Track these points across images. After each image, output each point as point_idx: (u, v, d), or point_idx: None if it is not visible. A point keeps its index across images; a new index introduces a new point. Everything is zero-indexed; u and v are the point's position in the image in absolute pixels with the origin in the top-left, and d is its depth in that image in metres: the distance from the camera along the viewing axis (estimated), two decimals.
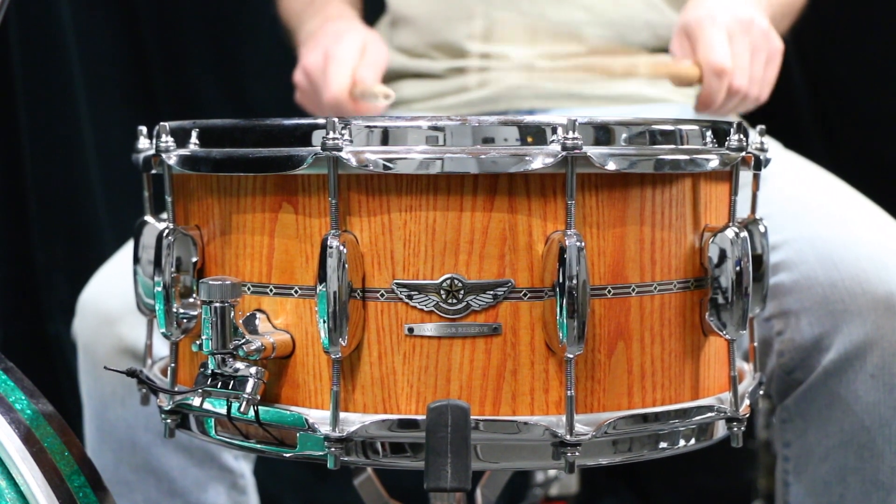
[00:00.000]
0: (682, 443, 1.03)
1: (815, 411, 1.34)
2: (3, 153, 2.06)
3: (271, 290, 1.01)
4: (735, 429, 1.04)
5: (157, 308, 1.04)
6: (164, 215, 1.08)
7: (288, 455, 1.00)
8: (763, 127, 1.10)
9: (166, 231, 1.04)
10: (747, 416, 1.05)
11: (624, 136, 0.98)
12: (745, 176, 1.08)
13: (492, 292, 0.97)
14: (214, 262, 1.05)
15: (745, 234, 1.02)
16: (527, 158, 0.94)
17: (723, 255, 1.01)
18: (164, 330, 1.04)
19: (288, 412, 0.99)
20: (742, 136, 1.03)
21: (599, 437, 0.97)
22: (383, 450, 0.98)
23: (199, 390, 1.00)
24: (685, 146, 1.01)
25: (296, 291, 1.00)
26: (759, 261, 1.10)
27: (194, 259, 1.05)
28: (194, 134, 1.03)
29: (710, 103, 1.35)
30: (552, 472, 1.85)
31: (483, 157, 0.94)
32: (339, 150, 0.95)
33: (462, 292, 0.96)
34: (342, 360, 0.97)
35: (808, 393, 1.34)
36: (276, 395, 1.01)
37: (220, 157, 1.01)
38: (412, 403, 0.97)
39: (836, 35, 2.15)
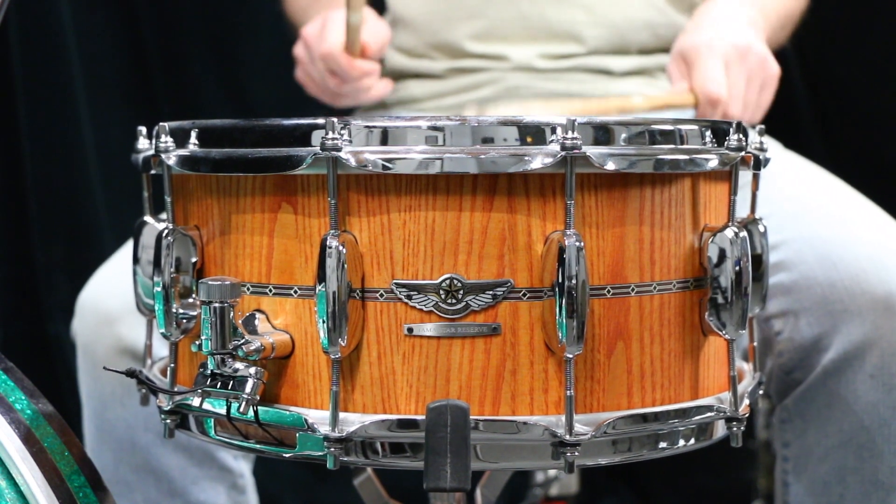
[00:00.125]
0: (681, 443, 1.03)
1: (814, 411, 1.34)
2: (3, 153, 2.06)
3: (271, 291, 1.01)
4: (735, 429, 1.04)
5: (156, 308, 1.04)
6: (164, 215, 1.08)
7: (287, 455, 1.00)
8: (763, 127, 1.11)
9: (166, 231, 1.04)
10: (747, 415, 1.05)
11: (623, 135, 0.98)
12: (745, 176, 1.08)
13: (491, 292, 0.97)
14: (214, 262, 1.05)
15: (744, 233, 1.02)
16: (526, 158, 0.94)
17: (722, 255, 1.01)
18: (163, 330, 1.04)
19: (287, 412, 0.99)
20: (741, 135, 1.03)
21: (599, 437, 0.97)
22: (383, 450, 0.98)
23: (199, 390, 1.00)
24: (684, 146, 1.01)
25: (295, 291, 1.00)
26: (758, 260, 1.10)
27: (194, 259, 1.05)
28: (194, 134, 1.03)
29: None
30: (552, 472, 1.86)
31: (482, 156, 0.94)
32: (339, 150, 0.95)
33: (461, 292, 0.96)
34: (341, 360, 0.97)
35: (807, 393, 1.34)
36: (275, 396, 1.01)
37: (219, 157, 1.01)
38: (412, 403, 0.97)
39: (836, 35, 2.15)
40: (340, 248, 0.95)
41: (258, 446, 1.02)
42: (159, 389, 1.06)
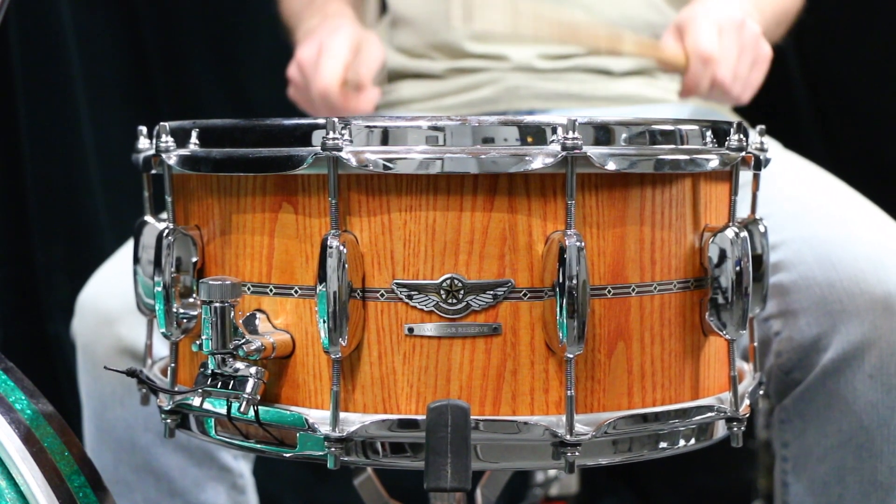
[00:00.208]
0: (682, 443, 1.03)
1: (813, 411, 1.34)
2: (3, 153, 2.06)
3: (271, 290, 1.01)
4: (735, 429, 1.04)
5: (157, 308, 1.04)
6: (164, 215, 1.08)
7: (288, 455, 1.00)
8: (763, 127, 1.10)
9: (166, 231, 1.04)
10: (747, 415, 1.05)
11: (624, 136, 0.98)
12: (745, 176, 1.08)
13: (492, 292, 0.97)
14: (214, 262, 1.05)
15: (744, 233, 1.02)
16: (527, 158, 0.94)
17: (723, 255, 1.01)
18: (163, 330, 1.04)
19: (288, 412, 0.99)
20: (742, 136, 1.03)
21: (599, 437, 0.97)
22: (383, 450, 0.98)
23: (199, 390, 1.00)
24: (685, 146, 1.01)
25: (296, 291, 1.00)
26: (758, 261, 1.10)
27: (194, 259, 1.05)
28: (194, 134, 1.03)
29: (693, 90, 1.38)
30: (552, 472, 1.85)
31: (483, 157, 0.94)
32: (339, 150, 0.95)
33: (462, 292, 0.96)
34: (342, 360, 0.97)
35: (806, 393, 1.34)
36: (276, 395, 1.01)
37: (220, 157, 1.01)
38: (412, 403, 0.97)
39: (836, 35, 2.15)
40: (341, 247, 0.95)
41: (258, 446, 1.02)
42: (160, 389, 1.06)
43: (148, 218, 1.11)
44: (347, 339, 0.96)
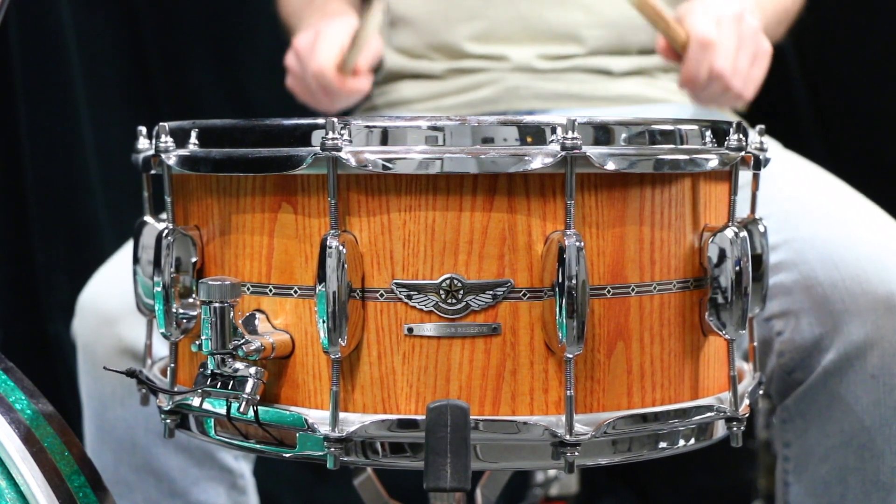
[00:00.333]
0: (681, 443, 1.03)
1: (815, 411, 1.34)
2: (3, 153, 2.06)
3: (271, 291, 1.01)
4: (735, 429, 1.04)
5: (156, 308, 1.04)
6: (164, 215, 1.08)
7: (287, 455, 1.00)
8: (763, 127, 1.10)
9: (166, 231, 1.04)
10: (747, 415, 1.05)
11: (623, 136, 0.98)
12: (745, 176, 1.08)
13: (491, 292, 0.97)
14: (214, 262, 1.05)
15: (744, 233, 1.02)
16: (526, 158, 0.94)
17: (722, 255, 1.01)
18: (163, 330, 1.04)
19: (287, 412, 0.99)
20: (741, 135, 1.03)
21: (599, 437, 0.97)
22: (383, 450, 0.98)
23: (199, 390, 1.00)
24: (685, 146, 1.01)
25: (295, 291, 1.00)
26: (758, 261, 1.10)
27: (194, 259, 1.05)
28: (194, 134, 1.03)
29: (693, 78, 1.36)
30: (552, 472, 1.85)
31: (482, 157, 0.94)
32: (339, 150, 0.95)
33: (461, 292, 0.96)
34: (341, 360, 0.97)
35: (808, 393, 1.34)
36: (275, 396, 1.01)
37: (219, 157, 1.01)
38: (412, 403, 0.97)
39: (836, 35, 2.15)
40: (340, 248, 0.95)
41: (258, 446, 1.02)
42: (159, 389, 1.06)
43: (148, 218, 1.11)
44: (347, 340, 0.96)
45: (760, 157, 1.08)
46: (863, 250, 1.32)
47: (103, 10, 2.15)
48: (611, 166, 0.96)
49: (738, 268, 1.01)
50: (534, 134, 0.95)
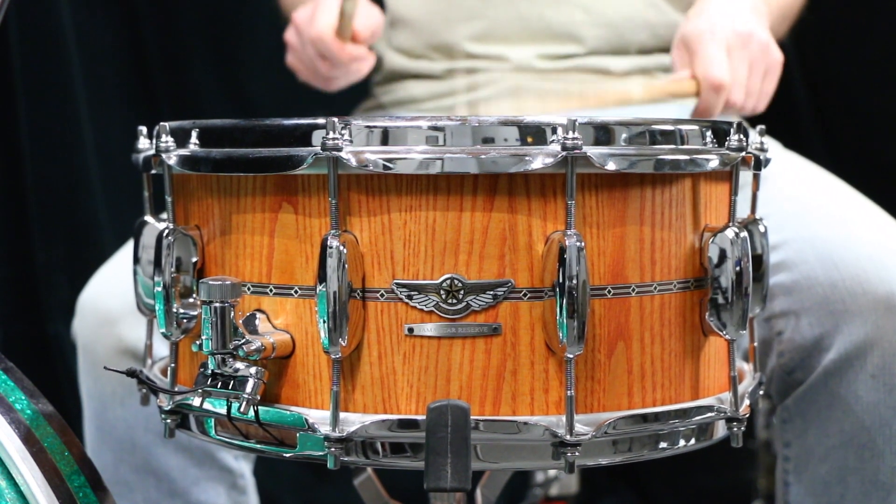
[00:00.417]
0: (682, 443, 1.03)
1: (815, 411, 1.34)
2: (3, 153, 2.06)
3: (271, 290, 1.01)
4: (735, 429, 1.04)
5: (157, 308, 1.04)
6: (164, 215, 1.08)
7: (288, 455, 1.00)
8: (763, 127, 1.10)
9: (166, 231, 1.04)
10: (747, 416, 1.05)
11: (624, 136, 0.98)
12: (745, 176, 1.08)
13: (492, 292, 0.97)
14: (214, 262, 1.05)
15: (744, 234, 1.02)
16: (527, 158, 0.94)
17: (723, 255, 1.01)
18: (164, 330, 1.04)
19: (288, 412, 0.99)
20: (742, 136, 1.03)
21: (599, 437, 0.97)
22: (383, 450, 0.98)
23: (199, 390, 1.00)
24: (685, 146, 1.01)
25: (296, 291, 1.00)
26: (759, 261, 1.10)
27: (194, 259, 1.05)
28: (194, 134, 1.03)
29: (706, 112, 1.36)
30: (552, 472, 1.85)
31: (483, 157, 0.94)
32: (339, 150, 0.95)
33: (462, 292, 0.96)
34: (342, 360, 0.97)
35: (808, 393, 1.34)
36: (276, 395, 1.01)
37: (219, 157, 1.01)
38: (412, 403, 0.97)
39: (836, 35, 2.15)
40: (341, 248, 0.95)
41: (258, 446, 1.02)
42: (160, 389, 1.06)
43: (148, 218, 1.11)
44: (347, 340, 0.96)
45: (761, 157, 1.08)
46: (863, 250, 1.32)
47: (103, 10, 2.15)
48: (611, 166, 0.96)
49: (738, 268, 1.01)
50: (534, 134, 0.95)
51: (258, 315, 1.00)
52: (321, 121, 0.96)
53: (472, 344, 0.97)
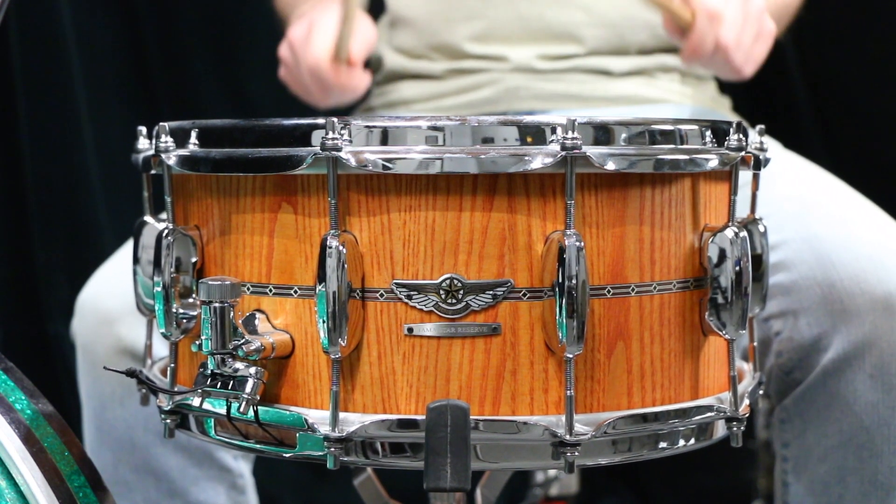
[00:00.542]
0: (681, 443, 1.03)
1: (814, 411, 1.34)
2: (3, 153, 2.06)
3: (271, 291, 1.01)
4: (735, 429, 1.04)
5: (156, 308, 1.04)
6: (164, 215, 1.08)
7: (287, 455, 1.00)
8: (763, 127, 1.10)
9: (166, 231, 1.04)
10: (747, 415, 1.05)
11: (623, 136, 0.98)
12: (745, 176, 1.08)
13: (491, 292, 0.97)
14: (214, 262, 1.05)
15: (744, 233, 1.02)
16: (526, 158, 0.94)
17: (722, 255, 1.01)
18: (163, 330, 1.04)
19: (287, 412, 0.99)
20: (741, 135, 1.03)
21: (599, 437, 0.97)
22: (383, 450, 0.98)
23: (199, 390, 1.00)
24: (685, 146, 1.01)
25: (295, 291, 1.00)
26: (758, 260, 1.10)
27: (194, 259, 1.05)
28: (194, 134, 1.03)
29: (697, 50, 1.36)
30: (552, 472, 1.85)
31: (482, 157, 0.94)
32: (339, 150, 0.95)
33: (461, 292, 0.96)
34: (342, 360, 0.97)
35: (806, 393, 1.34)
36: (275, 396, 1.01)
37: (219, 157, 1.01)
38: (412, 403, 0.97)
39: (836, 35, 2.15)
40: (340, 248, 0.95)
41: (258, 446, 1.02)
42: (159, 389, 1.06)
43: (148, 218, 1.11)
44: (347, 340, 0.96)
45: (760, 157, 1.08)
46: (862, 250, 1.32)
47: (103, 10, 2.15)
48: (611, 166, 0.96)
49: (738, 268, 1.01)
50: (534, 134, 0.95)
51: (258, 315, 1.00)
52: (321, 121, 0.96)
53: (471, 344, 0.97)
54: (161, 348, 1.14)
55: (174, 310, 1.03)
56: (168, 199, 1.06)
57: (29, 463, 1.01)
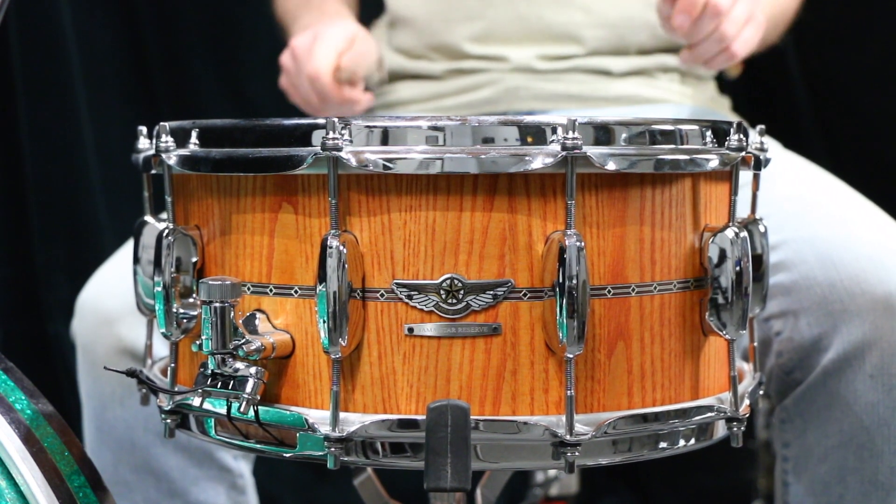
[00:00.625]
0: (682, 443, 1.03)
1: (814, 411, 1.34)
2: (3, 153, 2.06)
3: (271, 290, 1.01)
4: (735, 429, 1.04)
5: (156, 308, 1.04)
6: (164, 215, 1.08)
7: (288, 455, 1.00)
8: (763, 127, 1.10)
9: (166, 231, 1.04)
10: (747, 415, 1.05)
11: (624, 136, 0.98)
12: (745, 176, 1.08)
13: (492, 292, 0.97)
14: (214, 262, 1.05)
15: (744, 233, 1.02)
16: (527, 158, 0.94)
17: (723, 255, 1.01)
18: (163, 330, 1.04)
19: (288, 412, 0.99)
20: (742, 136, 1.03)
21: (599, 437, 0.97)
22: (383, 450, 0.98)
23: (199, 390, 1.00)
24: (685, 146, 1.01)
25: (296, 291, 1.00)
26: (758, 261, 1.10)
27: (194, 259, 1.05)
28: (194, 134, 1.03)
29: (690, 6, 1.34)
30: (552, 472, 1.85)
31: (483, 157, 0.94)
32: (339, 150, 0.95)
33: (462, 292, 0.96)
34: (342, 360, 0.97)
35: (807, 393, 1.34)
36: (275, 395, 1.01)
37: (219, 157, 1.01)
38: (412, 403, 0.97)
39: (836, 35, 2.15)
40: (341, 247, 0.95)
41: (258, 446, 1.02)
42: (160, 389, 1.06)
43: (148, 218, 1.11)
44: (347, 340, 0.96)
45: (761, 157, 1.08)
46: (862, 250, 1.32)
47: (103, 10, 2.15)
48: (611, 166, 0.96)
49: (738, 268, 1.01)
50: (534, 134, 0.95)
51: (258, 315, 1.00)
52: (321, 121, 0.96)
53: (471, 344, 0.97)
54: (161, 348, 1.14)
55: (174, 310, 1.03)
56: (168, 199, 1.06)
57: (29, 463, 1.01)
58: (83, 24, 2.08)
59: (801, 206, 1.39)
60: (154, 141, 1.05)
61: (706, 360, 1.05)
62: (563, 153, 0.94)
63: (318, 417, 0.98)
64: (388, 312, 0.97)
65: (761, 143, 1.09)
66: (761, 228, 1.11)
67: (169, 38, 2.20)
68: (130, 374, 1.06)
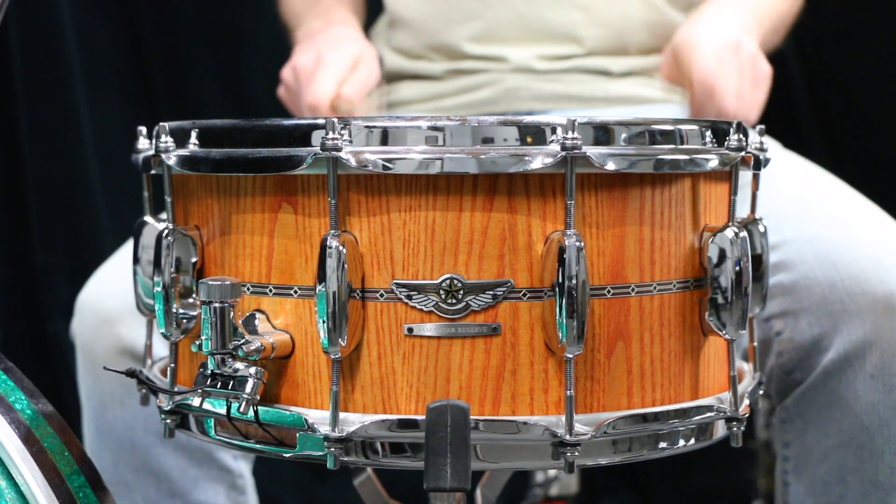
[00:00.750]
0: (681, 443, 1.03)
1: (814, 411, 1.34)
2: (3, 153, 2.06)
3: (271, 291, 1.01)
4: (735, 429, 1.04)
5: (156, 308, 1.04)
6: (164, 215, 1.08)
7: (287, 455, 1.00)
8: (763, 127, 1.11)
9: (166, 231, 1.04)
10: (747, 415, 1.05)
11: (623, 136, 0.98)
12: (745, 176, 1.08)
13: (491, 292, 0.97)
14: (214, 262, 1.05)
15: (744, 233, 1.02)
16: (526, 158, 0.94)
17: (722, 255, 1.01)
18: (163, 330, 1.04)
19: (287, 412, 0.99)
20: (741, 135, 1.03)
21: (599, 437, 0.97)
22: (383, 450, 0.98)
23: (199, 390, 1.00)
24: (685, 146, 1.01)
25: (295, 291, 1.00)
26: (758, 261, 1.10)
27: (194, 259, 1.05)
28: (194, 134, 1.03)
29: (698, 115, 1.36)
30: (552, 472, 1.86)
31: (483, 157, 0.94)
32: (339, 150, 0.95)
33: (461, 292, 0.96)
34: (342, 360, 0.97)
35: (807, 393, 1.34)
36: (275, 396, 1.01)
37: (219, 157, 1.01)
38: (412, 403, 0.97)
39: (836, 35, 2.15)
40: (340, 248, 0.95)
41: (258, 446, 1.02)
42: (159, 389, 1.06)
43: (148, 218, 1.11)
44: (347, 340, 0.96)
45: (760, 157, 1.08)
46: (862, 250, 1.32)
47: (103, 10, 2.15)
48: (611, 166, 0.96)
49: (738, 268, 1.01)
50: (534, 134, 0.95)
51: (258, 315, 1.00)
52: (321, 121, 0.96)
53: (471, 344, 0.97)
54: (161, 348, 1.14)
55: (174, 310, 1.04)
56: (168, 199, 1.06)
57: (29, 463, 1.01)
58: (83, 24, 2.08)
59: (801, 206, 1.39)
60: (154, 141, 1.05)
61: (706, 360, 1.05)
62: (563, 153, 0.94)
63: (318, 417, 0.98)
64: (387, 312, 0.97)
65: (761, 142, 1.09)
66: (761, 228, 1.11)
67: (169, 38, 2.20)
68: (130, 374, 1.06)
